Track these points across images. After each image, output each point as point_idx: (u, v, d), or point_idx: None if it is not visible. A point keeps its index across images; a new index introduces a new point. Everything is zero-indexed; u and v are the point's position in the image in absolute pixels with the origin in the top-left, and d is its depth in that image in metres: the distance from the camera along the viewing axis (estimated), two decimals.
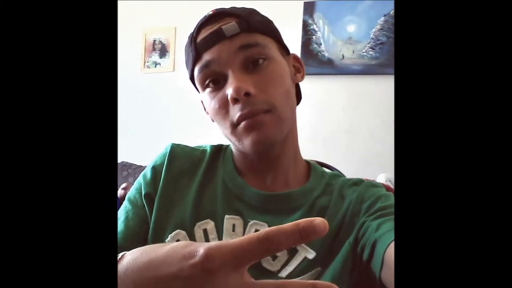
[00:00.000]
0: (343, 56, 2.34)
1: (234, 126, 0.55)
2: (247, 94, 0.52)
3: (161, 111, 2.85)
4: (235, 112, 0.53)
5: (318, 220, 0.27)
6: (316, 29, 2.40)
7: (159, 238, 0.57)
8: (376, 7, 2.26)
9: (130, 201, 0.62)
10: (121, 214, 0.61)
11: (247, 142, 0.54)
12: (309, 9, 2.41)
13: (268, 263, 0.54)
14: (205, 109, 0.62)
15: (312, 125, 2.35)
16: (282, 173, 0.61)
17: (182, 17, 2.72)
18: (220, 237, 0.56)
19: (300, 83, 0.65)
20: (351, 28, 2.33)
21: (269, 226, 0.54)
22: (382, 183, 0.64)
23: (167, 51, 2.84)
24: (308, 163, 0.67)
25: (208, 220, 0.57)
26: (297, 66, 0.64)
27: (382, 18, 2.26)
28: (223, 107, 0.55)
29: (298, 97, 0.65)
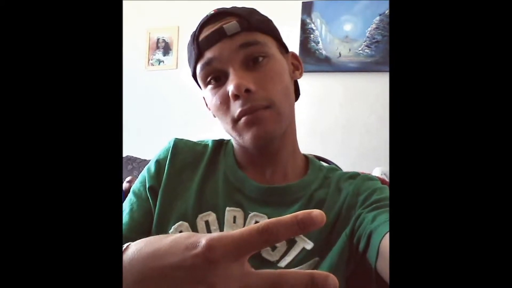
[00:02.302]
0: (340, 54, 2.34)
1: (235, 121, 0.55)
2: (247, 90, 0.53)
3: (165, 107, 2.85)
4: (236, 108, 0.54)
5: (316, 212, 0.27)
6: (314, 28, 2.40)
7: (162, 229, 0.57)
8: (372, 7, 2.27)
9: (134, 193, 0.62)
10: (126, 206, 0.61)
11: (247, 137, 0.55)
12: (307, 8, 2.42)
13: (267, 254, 0.54)
14: (207, 105, 0.62)
15: (310, 121, 2.35)
16: (281, 166, 0.61)
17: (184, 17, 2.71)
18: (221, 229, 0.57)
19: (299, 80, 0.66)
20: (347, 27, 2.33)
21: (268, 218, 0.55)
22: (377, 177, 0.64)
23: (170, 49, 2.84)
24: (306, 157, 0.67)
25: (210, 212, 0.58)
26: (295, 64, 0.64)
27: (378, 18, 2.26)
28: (224, 103, 0.56)
29: (297, 94, 0.65)
